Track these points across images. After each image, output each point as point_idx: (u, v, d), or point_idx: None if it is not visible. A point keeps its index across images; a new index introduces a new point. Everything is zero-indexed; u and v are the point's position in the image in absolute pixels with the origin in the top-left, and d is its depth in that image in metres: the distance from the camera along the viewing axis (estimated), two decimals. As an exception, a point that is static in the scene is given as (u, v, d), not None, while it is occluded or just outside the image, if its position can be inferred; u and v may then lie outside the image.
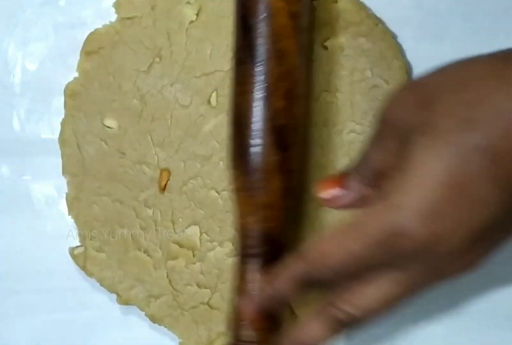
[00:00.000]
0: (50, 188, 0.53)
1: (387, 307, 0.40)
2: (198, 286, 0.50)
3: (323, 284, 0.40)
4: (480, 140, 0.35)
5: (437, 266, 0.38)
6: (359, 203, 0.42)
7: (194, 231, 0.50)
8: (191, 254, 0.50)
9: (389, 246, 0.37)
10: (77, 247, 0.52)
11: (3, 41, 0.54)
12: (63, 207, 0.52)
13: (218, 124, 0.50)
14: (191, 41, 0.51)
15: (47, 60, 0.54)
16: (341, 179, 0.43)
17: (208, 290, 0.50)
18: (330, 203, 0.43)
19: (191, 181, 0.51)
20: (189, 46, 0.51)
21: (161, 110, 0.51)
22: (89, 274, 0.51)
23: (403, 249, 0.37)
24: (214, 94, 0.51)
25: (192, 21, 0.51)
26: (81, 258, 0.51)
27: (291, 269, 0.40)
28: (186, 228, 0.50)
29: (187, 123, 0.51)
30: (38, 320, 0.52)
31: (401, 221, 0.36)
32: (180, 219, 0.50)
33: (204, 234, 0.50)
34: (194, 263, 0.50)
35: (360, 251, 0.37)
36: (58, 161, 0.52)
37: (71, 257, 0.51)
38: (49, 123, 0.54)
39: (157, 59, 0.51)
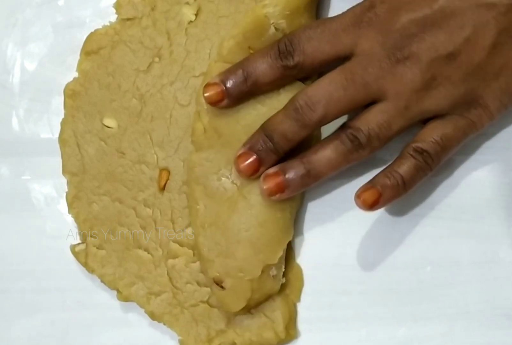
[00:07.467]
0: (49, 187, 0.53)
1: (387, 129, 0.45)
2: (198, 284, 0.50)
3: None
4: None
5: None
6: None
7: (193, 230, 0.50)
8: (191, 253, 0.50)
9: (358, 18, 0.45)
10: (78, 244, 0.52)
11: (2, 41, 0.54)
12: (63, 206, 0.52)
13: (217, 123, 0.51)
14: (190, 41, 0.51)
15: (46, 60, 0.54)
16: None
17: (208, 288, 0.50)
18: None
19: (190, 180, 0.51)
20: (189, 46, 0.51)
21: (161, 109, 0.51)
22: (91, 270, 0.51)
23: (368, 19, 0.45)
24: (213, 94, 0.51)
25: (191, 21, 0.51)
26: (82, 255, 0.51)
27: (273, 43, 0.47)
28: (185, 228, 0.50)
29: (186, 122, 0.51)
30: (38, 320, 0.52)
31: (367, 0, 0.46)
32: (180, 218, 0.50)
33: (204, 233, 0.50)
34: (194, 262, 0.50)
35: None
36: (58, 161, 0.52)
37: (72, 254, 0.51)
38: (48, 123, 0.54)
39: (157, 59, 0.51)
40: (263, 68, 0.46)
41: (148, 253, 0.51)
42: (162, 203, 0.51)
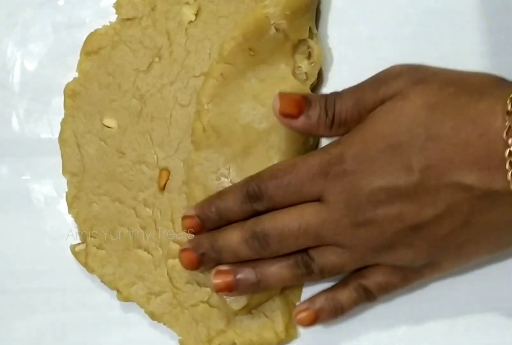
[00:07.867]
0: (49, 187, 0.53)
1: (339, 269, 0.46)
2: (198, 284, 0.50)
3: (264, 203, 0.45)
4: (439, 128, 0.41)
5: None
6: (309, 130, 0.46)
7: (193, 230, 0.50)
8: (191, 253, 0.50)
9: (326, 169, 0.43)
10: (78, 244, 0.52)
11: (2, 41, 0.54)
12: (63, 206, 0.52)
13: (217, 123, 0.51)
14: (190, 40, 0.51)
15: (46, 60, 0.54)
16: (304, 103, 0.45)
17: (208, 288, 0.50)
18: (285, 120, 0.45)
19: (190, 180, 0.51)
20: (189, 45, 0.51)
21: (161, 109, 0.51)
22: (91, 270, 0.51)
23: (336, 173, 0.43)
24: (213, 94, 0.51)
25: (191, 21, 0.51)
26: (82, 255, 0.51)
27: (242, 186, 0.46)
28: (186, 227, 0.50)
29: (186, 122, 0.51)
30: (38, 320, 0.52)
31: (337, 151, 0.44)
32: (180, 218, 0.50)
33: (204, 233, 0.50)
34: (194, 262, 0.50)
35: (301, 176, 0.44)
36: (58, 161, 0.52)
37: (72, 254, 0.51)
38: (48, 123, 0.54)
39: (157, 59, 0.51)
40: (232, 208, 0.46)
41: (148, 253, 0.51)
42: (162, 203, 0.51)
